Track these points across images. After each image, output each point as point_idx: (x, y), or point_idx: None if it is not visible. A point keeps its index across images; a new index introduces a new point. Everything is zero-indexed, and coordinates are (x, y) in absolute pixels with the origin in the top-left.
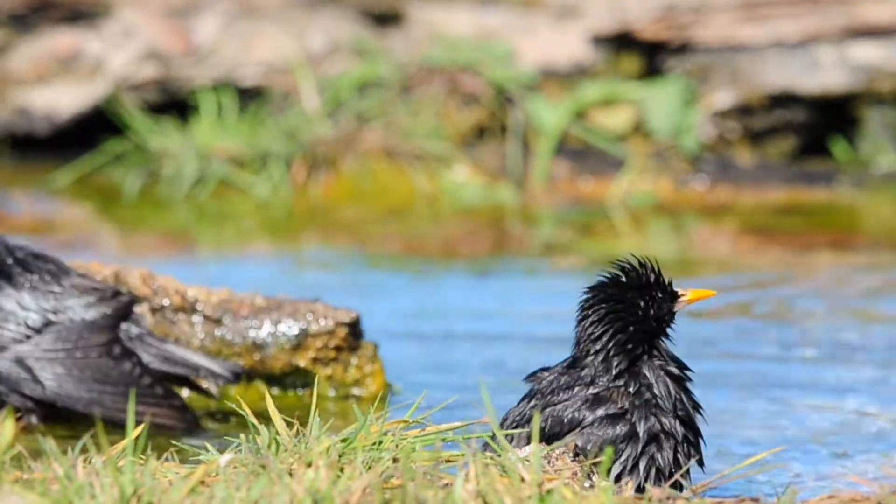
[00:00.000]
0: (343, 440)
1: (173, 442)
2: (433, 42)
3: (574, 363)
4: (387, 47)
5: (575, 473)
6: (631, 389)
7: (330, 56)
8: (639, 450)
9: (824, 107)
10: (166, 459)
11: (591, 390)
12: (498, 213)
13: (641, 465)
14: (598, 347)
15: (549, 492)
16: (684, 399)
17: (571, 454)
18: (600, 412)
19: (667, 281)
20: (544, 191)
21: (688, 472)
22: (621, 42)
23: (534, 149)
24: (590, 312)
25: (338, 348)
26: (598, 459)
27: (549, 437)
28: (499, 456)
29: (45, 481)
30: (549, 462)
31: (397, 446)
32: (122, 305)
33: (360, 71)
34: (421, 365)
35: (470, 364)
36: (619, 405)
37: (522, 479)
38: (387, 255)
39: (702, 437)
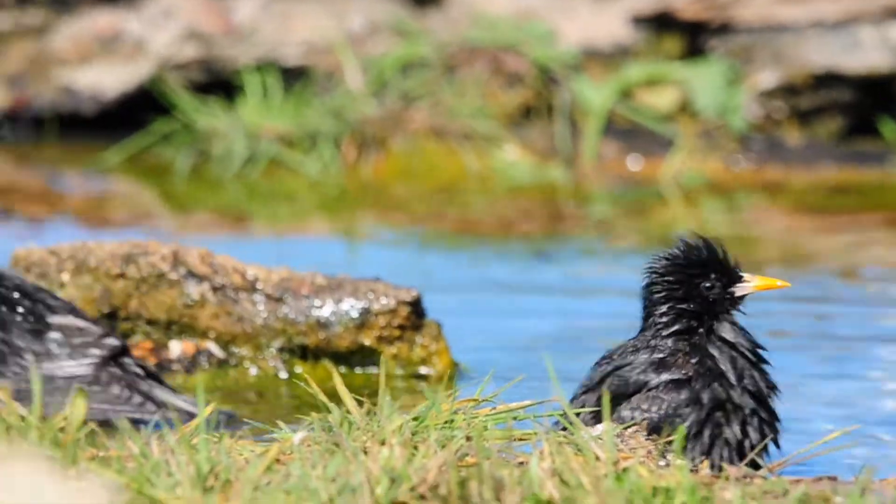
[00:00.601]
0: (415, 418)
1: (245, 420)
2: (472, 22)
3: (642, 332)
4: (426, 27)
5: (649, 451)
6: (693, 360)
7: (370, 36)
8: (703, 416)
9: (869, 87)
10: (239, 437)
11: (656, 355)
12: (549, 192)
13: (706, 433)
14: (657, 316)
15: (624, 470)
16: (756, 376)
17: (644, 432)
18: (665, 376)
19: (732, 263)
20: (594, 170)
21: (765, 450)
22: (661, 22)
23: (581, 128)
24: (651, 284)
25: (401, 327)
26: (670, 437)
27: (615, 397)
28: (571, 434)
29: (120, 459)
30: (622, 440)
31: (469, 425)
32: (109, 352)
33: (402, 51)
34: (485, 344)
35: (532, 342)
36: (684, 371)
37: (597, 458)
38: (442, 233)
39: (777, 418)
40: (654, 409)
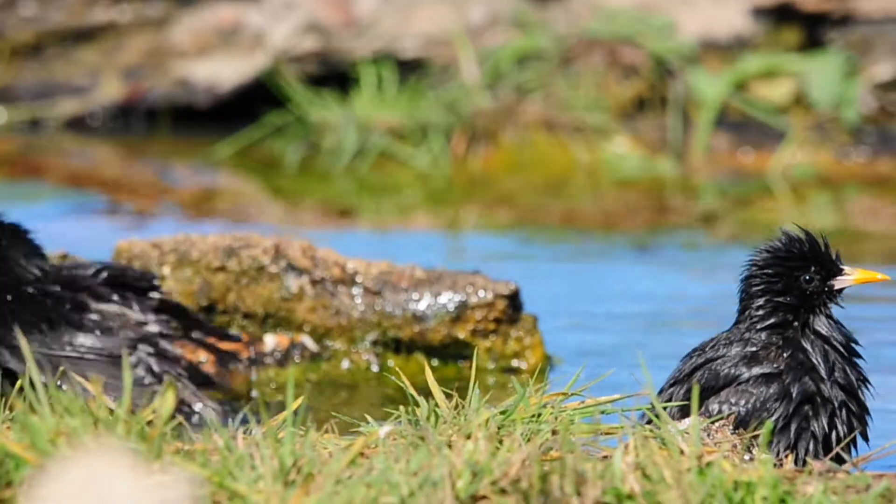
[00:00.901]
0: (502, 412)
1: (333, 414)
2: (593, 14)
3: (736, 325)
4: (546, 19)
5: (734, 446)
6: (785, 354)
7: (489, 28)
8: (791, 409)
9: None
10: (326, 431)
11: (749, 349)
12: (657, 184)
13: (793, 427)
14: (753, 308)
15: (708, 464)
16: (847, 370)
17: (731, 426)
18: (756, 370)
19: (833, 256)
20: (704, 163)
21: (852, 444)
22: (782, 14)
23: (694, 121)
24: (750, 277)
25: (497, 320)
26: (756, 432)
27: (704, 391)
28: (658, 428)
29: (205, 452)
30: (708, 434)
31: (556, 418)
32: (140, 336)
33: (519, 43)
34: (580, 337)
35: (629, 336)
36: (775, 365)
37: (682, 452)
38: (546, 227)
39: (867, 411)
40: (742, 402)
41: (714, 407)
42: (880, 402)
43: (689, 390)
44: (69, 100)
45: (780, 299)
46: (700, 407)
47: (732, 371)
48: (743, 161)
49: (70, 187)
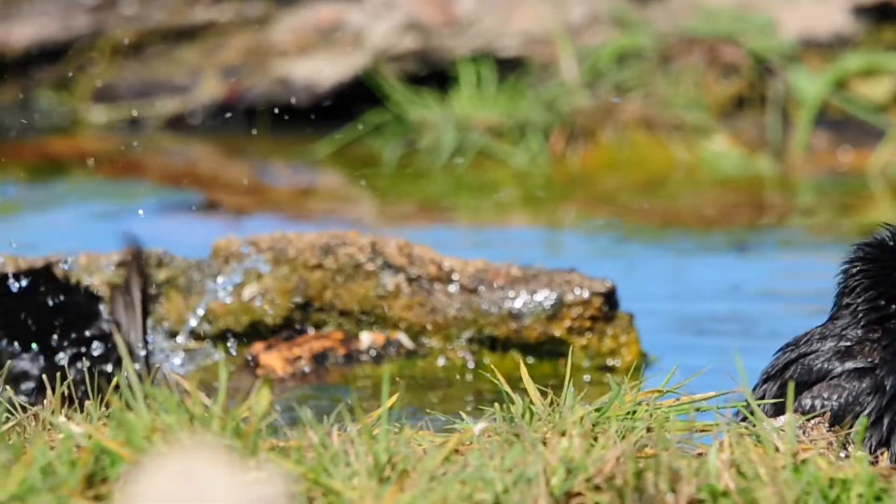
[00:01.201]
0: (597, 409)
1: (428, 411)
2: (692, 13)
3: (832, 319)
4: (646, 18)
5: (830, 443)
6: (881, 348)
7: (589, 27)
8: (883, 403)
9: None
10: (420, 428)
11: (843, 343)
12: (756, 183)
13: (885, 421)
14: (849, 302)
15: (803, 462)
16: None
17: (826, 424)
18: (849, 365)
19: None
20: (803, 161)
21: None
22: (882, 12)
23: (793, 119)
24: (849, 269)
25: (593, 318)
26: (851, 430)
27: (797, 386)
28: (753, 425)
29: (300, 449)
30: (803, 431)
31: (651, 416)
32: None
33: (619, 41)
34: (676, 335)
35: (725, 334)
36: (869, 359)
37: (777, 449)
38: (645, 224)
39: None
40: (834, 397)
41: (807, 402)
42: None
43: (781, 386)
44: (169, 99)
45: (879, 293)
46: (792, 402)
47: (825, 366)
48: (842, 160)
49: (169, 186)
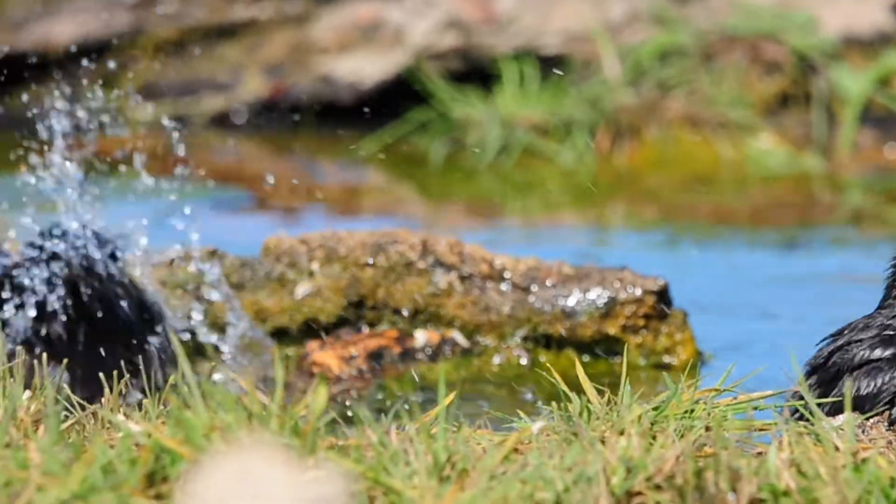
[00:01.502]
0: (654, 408)
1: (485, 409)
2: (732, 11)
3: (878, 310)
4: (686, 16)
5: (889, 442)
6: None
7: (629, 25)
8: None
9: None
10: (478, 427)
11: (887, 332)
12: (803, 180)
13: None
14: (894, 292)
15: (863, 461)
16: None
17: (886, 423)
18: (889, 351)
19: None
20: (849, 159)
21: None
22: None
23: (837, 117)
24: None
25: (646, 316)
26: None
27: (838, 373)
28: (812, 424)
29: (359, 448)
30: (863, 431)
31: (709, 415)
32: None
33: (660, 39)
34: (731, 333)
35: (780, 331)
36: None
37: (837, 448)
38: (693, 222)
39: None
40: (872, 384)
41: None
42: None
43: (826, 377)
44: (213, 96)
45: None
46: (833, 390)
47: (866, 353)
48: (889, 157)
49: (217, 183)
